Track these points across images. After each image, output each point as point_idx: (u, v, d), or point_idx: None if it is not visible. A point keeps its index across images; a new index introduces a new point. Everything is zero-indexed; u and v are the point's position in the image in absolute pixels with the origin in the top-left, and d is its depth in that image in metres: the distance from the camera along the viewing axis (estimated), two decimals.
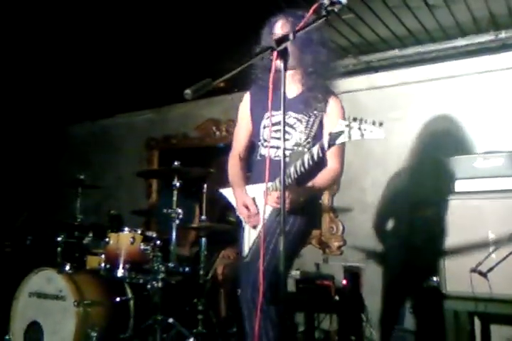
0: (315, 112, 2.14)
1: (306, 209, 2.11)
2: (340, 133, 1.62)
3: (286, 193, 1.88)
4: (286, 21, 2.15)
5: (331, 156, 2.16)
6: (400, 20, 3.42)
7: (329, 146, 1.75)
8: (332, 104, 2.16)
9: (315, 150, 1.84)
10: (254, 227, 2.12)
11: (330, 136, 1.72)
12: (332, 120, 2.10)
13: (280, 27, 2.17)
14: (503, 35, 3.47)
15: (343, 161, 2.23)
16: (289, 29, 2.08)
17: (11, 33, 3.68)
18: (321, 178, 2.12)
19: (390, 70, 4.13)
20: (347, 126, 1.61)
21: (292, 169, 1.93)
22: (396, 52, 3.89)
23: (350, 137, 1.61)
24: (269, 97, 1.68)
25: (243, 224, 2.20)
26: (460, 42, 3.62)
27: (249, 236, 2.14)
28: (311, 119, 2.13)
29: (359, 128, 1.57)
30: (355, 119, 1.60)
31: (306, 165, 1.89)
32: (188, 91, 1.29)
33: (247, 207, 2.13)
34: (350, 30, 3.58)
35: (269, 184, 1.95)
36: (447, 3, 3.18)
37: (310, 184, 2.09)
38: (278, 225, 1.64)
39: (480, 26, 3.48)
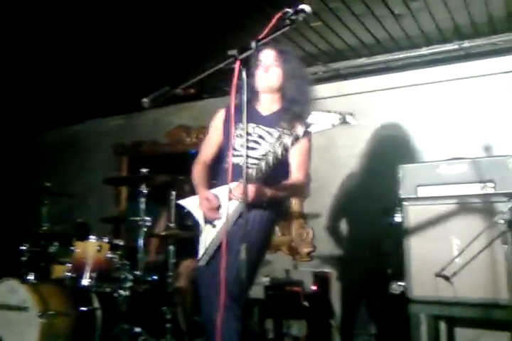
0: (285, 130, 2.19)
1: (270, 205, 2.15)
2: (313, 123, 1.69)
3: (253, 186, 1.98)
4: (276, 53, 2.24)
5: (295, 167, 2.22)
6: (367, 29, 3.48)
7: (303, 134, 1.87)
8: (302, 126, 2.20)
9: (288, 139, 1.94)
10: (214, 225, 2.13)
11: (305, 125, 1.77)
12: (296, 154, 2.20)
13: (272, 57, 2.24)
14: (466, 44, 3.57)
15: (308, 173, 2.27)
16: (281, 61, 2.23)
17: None
18: (284, 184, 2.18)
19: (358, 78, 4.20)
20: (320, 116, 1.67)
21: (263, 162, 2.02)
22: (364, 60, 3.96)
23: (325, 125, 1.71)
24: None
25: (200, 227, 2.22)
26: (425, 51, 3.71)
27: (206, 238, 2.15)
28: (281, 135, 2.18)
29: (332, 118, 1.69)
30: (328, 111, 1.73)
31: (279, 155, 1.99)
32: (145, 99, 1.29)
33: (208, 200, 2.15)
34: (318, 38, 3.62)
35: (234, 183, 2.01)
36: (412, 13, 3.25)
37: (274, 188, 2.13)
38: (240, 225, 1.64)
39: (444, 36, 3.57)
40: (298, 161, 2.22)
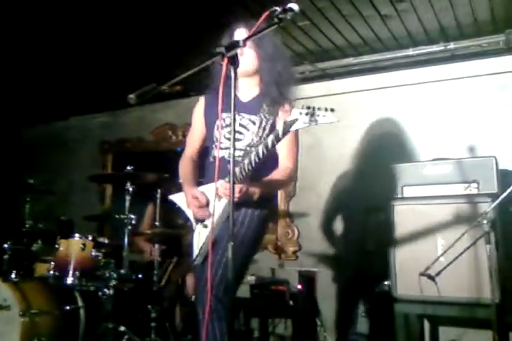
0: (267, 115, 2.15)
1: (261, 203, 2.11)
2: (295, 120, 1.65)
3: (239, 185, 1.92)
4: (248, 31, 2.12)
5: (284, 156, 2.18)
6: (354, 29, 3.49)
7: (284, 134, 1.78)
8: (286, 109, 2.16)
9: (269, 139, 1.85)
10: (205, 225, 2.10)
11: (284, 124, 1.73)
12: (282, 143, 2.09)
13: (244, 35, 2.12)
14: (451, 46, 3.59)
15: (297, 161, 2.23)
16: (255, 42, 2.11)
17: None
18: (274, 175, 2.13)
19: (345, 78, 4.21)
20: (300, 113, 1.63)
21: (246, 161, 1.94)
22: (351, 60, 3.97)
23: (304, 123, 1.63)
24: (222, 101, 1.67)
25: (193, 226, 2.19)
26: (411, 51, 3.72)
27: (199, 238, 2.12)
28: (264, 121, 2.15)
29: (312, 115, 1.60)
30: (308, 107, 1.63)
31: (261, 154, 1.89)
32: (131, 96, 1.27)
33: (196, 198, 2.12)
34: (306, 37, 3.62)
35: (222, 181, 1.96)
36: (399, 14, 3.26)
37: (263, 180, 2.09)
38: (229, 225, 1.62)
39: (430, 37, 3.60)
40: (285, 150, 2.17)
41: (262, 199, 2.09)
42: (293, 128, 1.70)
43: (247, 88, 2.23)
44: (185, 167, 2.34)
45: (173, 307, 3.54)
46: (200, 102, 2.36)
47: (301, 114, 1.64)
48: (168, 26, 3.46)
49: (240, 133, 2.14)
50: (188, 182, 2.26)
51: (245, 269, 2.18)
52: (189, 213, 2.20)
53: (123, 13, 3.29)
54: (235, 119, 1.56)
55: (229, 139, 2.08)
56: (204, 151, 2.35)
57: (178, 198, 2.29)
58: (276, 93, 2.14)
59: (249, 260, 2.16)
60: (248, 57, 2.16)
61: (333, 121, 1.60)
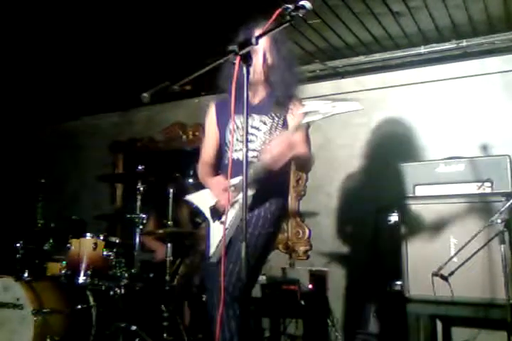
0: (278, 115, 2.15)
1: (273, 193, 2.12)
2: (307, 112, 1.61)
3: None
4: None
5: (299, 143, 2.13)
6: (366, 27, 3.47)
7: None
8: (295, 105, 2.16)
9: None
10: (221, 221, 2.08)
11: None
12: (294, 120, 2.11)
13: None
14: (464, 43, 3.56)
15: (310, 147, 2.22)
16: (269, 39, 2.11)
17: None
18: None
19: (356, 76, 4.18)
20: (320, 105, 1.59)
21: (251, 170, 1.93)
22: (362, 58, 3.94)
23: (326, 114, 1.58)
24: (235, 104, 1.66)
25: (210, 224, 2.19)
26: (423, 49, 3.69)
27: (214, 236, 2.11)
28: (275, 121, 2.15)
29: (333, 106, 1.57)
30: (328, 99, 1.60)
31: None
32: (145, 94, 1.27)
33: (218, 182, 2.12)
34: (316, 35, 3.60)
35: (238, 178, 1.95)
36: (411, 11, 3.23)
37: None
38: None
39: (442, 34, 3.56)
40: (298, 138, 2.10)
41: (272, 189, 2.06)
42: (309, 119, 1.63)
43: (257, 91, 2.22)
44: (202, 172, 2.35)
45: (182, 306, 3.54)
46: (211, 109, 2.37)
47: (320, 105, 1.58)
48: (179, 26, 3.46)
49: (253, 134, 2.14)
50: (207, 180, 2.27)
51: (258, 271, 2.16)
52: (206, 211, 2.20)
53: (133, 13, 3.29)
54: (247, 118, 1.54)
55: (242, 142, 2.07)
56: (221, 154, 2.36)
57: (195, 198, 2.29)
58: (280, 100, 2.13)
59: (262, 261, 2.14)
60: (258, 64, 2.13)
61: (357, 108, 1.54)
